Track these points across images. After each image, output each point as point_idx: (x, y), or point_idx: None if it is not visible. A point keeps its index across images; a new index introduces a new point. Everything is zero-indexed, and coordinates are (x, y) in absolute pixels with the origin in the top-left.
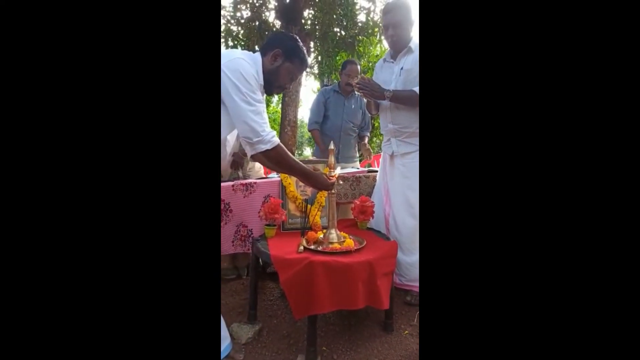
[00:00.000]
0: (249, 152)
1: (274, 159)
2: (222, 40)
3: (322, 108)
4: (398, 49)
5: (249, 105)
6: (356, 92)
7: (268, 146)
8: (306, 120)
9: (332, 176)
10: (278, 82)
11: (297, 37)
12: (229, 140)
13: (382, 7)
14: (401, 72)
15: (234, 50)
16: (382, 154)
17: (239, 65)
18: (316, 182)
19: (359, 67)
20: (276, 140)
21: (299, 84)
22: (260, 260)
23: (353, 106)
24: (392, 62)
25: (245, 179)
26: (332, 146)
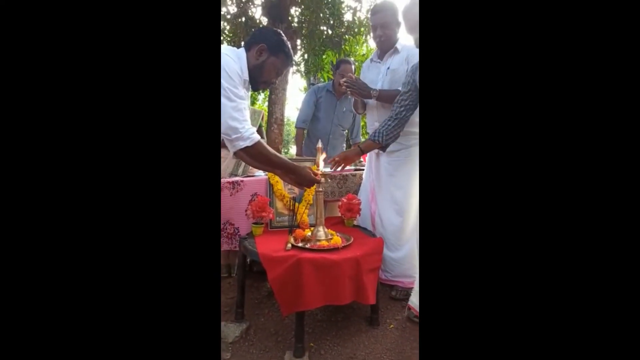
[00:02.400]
0: (231, 149)
1: (255, 156)
2: None
3: (312, 107)
4: (385, 48)
5: (230, 101)
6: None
7: (248, 142)
8: (292, 118)
9: (318, 173)
10: (263, 78)
11: (282, 32)
12: None
13: (369, 7)
14: (387, 71)
15: (224, 47)
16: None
17: (222, 61)
18: (300, 177)
19: (353, 66)
20: (256, 136)
21: (286, 82)
22: (247, 259)
23: (345, 109)
24: (379, 62)
25: (246, 176)
26: (319, 144)
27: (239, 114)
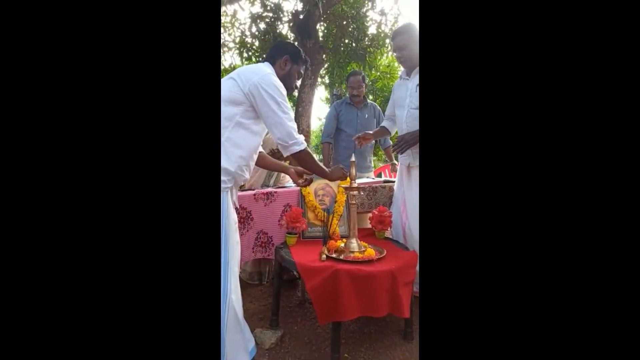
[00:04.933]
0: (285, 153)
1: (303, 159)
2: (237, 52)
3: (335, 122)
4: (409, 67)
5: (285, 114)
6: (368, 101)
7: (302, 147)
8: (312, 127)
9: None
10: (290, 84)
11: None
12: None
13: (394, 18)
14: (416, 88)
15: (257, 65)
16: (399, 165)
17: (272, 80)
18: (334, 177)
19: (360, 77)
20: (304, 143)
21: (312, 94)
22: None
23: (367, 115)
24: (407, 79)
25: (278, 187)
26: (353, 158)
27: (292, 123)
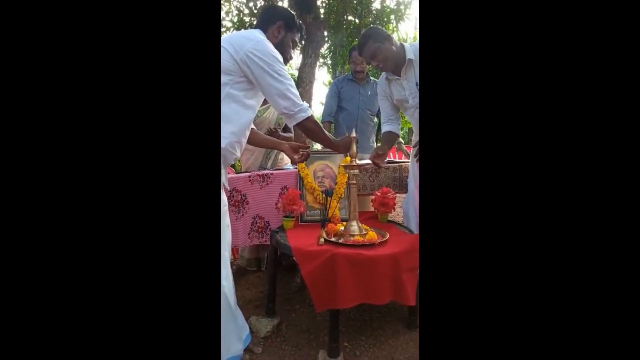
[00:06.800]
0: (291, 123)
1: (310, 127)
2: (235, 30)
3: (336, 99)
4: (393, 68)
5: (286, 81)
6: (371, 78)
7: (308, 113)
8: (316, 113)
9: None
10: (285, 54)
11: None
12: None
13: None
14: (417, 87)
15: (249, 30)
16: (412, 150)
17: (266, 47)
18: (340, 148)
19: None
20: (310, 109)
21: (313, 74)
22: (277, 252)
23: (369, 93)
24: (399, 78)
25: (275, 169)
26: (354, 134)
27: (295, 90)
